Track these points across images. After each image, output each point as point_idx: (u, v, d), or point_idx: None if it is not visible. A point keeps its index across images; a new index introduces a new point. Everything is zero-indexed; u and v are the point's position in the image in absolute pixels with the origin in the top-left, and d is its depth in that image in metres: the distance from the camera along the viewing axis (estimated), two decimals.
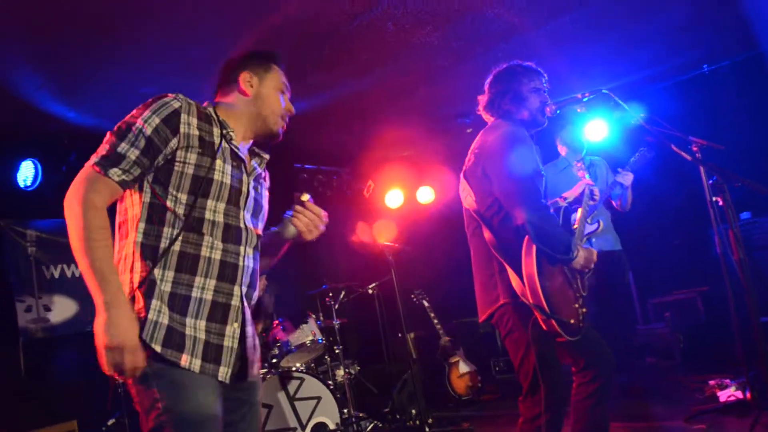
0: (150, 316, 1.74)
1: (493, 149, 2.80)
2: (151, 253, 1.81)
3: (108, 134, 1.86)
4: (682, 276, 6.16)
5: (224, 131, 1.97)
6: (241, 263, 1.93)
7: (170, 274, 1.81)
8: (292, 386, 4.59)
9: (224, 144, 1.95)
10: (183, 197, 1.85)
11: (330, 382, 4.78)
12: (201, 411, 1.74)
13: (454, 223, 3.18)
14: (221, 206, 1.90)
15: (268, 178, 2.25)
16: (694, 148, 3.75)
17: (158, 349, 1.72)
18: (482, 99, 3.03)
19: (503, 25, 4.57)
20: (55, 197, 5.44)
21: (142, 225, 1.83)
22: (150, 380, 1.73)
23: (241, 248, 1.94)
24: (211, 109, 2.02)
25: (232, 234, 1.92)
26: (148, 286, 1.77)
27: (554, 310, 2.62)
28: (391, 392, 5.67)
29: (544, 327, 2.65)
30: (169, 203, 1.84)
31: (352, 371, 5.64)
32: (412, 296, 6.26)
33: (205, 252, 1.85)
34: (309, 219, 2.06)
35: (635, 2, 4.59)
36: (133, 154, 1.80)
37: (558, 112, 3.00)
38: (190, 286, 1.82)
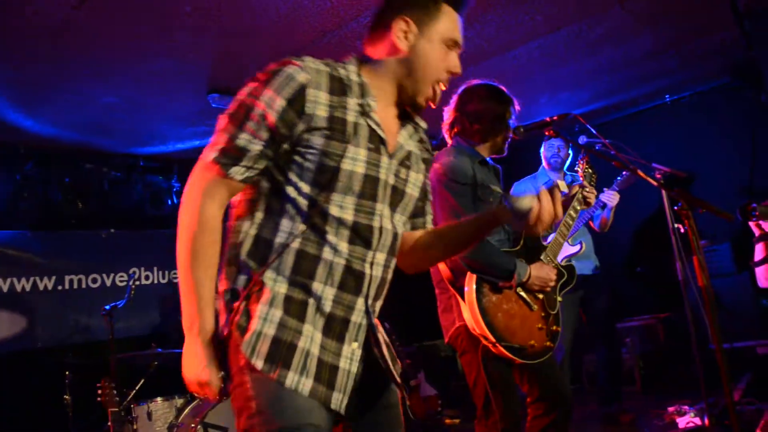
0: (254, 325, 1.48)
1: (433, 181, 2.80)
2: (265, 247, 1.54)
3: (223, 119, 1.56)
4: (643, 302, 6.23)
5: (362, 102, 1.60)
6: (368, 271, 1.60)
7: (285, 276, 1.52)
8: None
9: (360, 120, 1.58)
10: (306, 188, 1.54)
11: None
12: None
13: None
14: (351, 200, 1.56)
15: (426, 152, 1.84)
16: (658, 175, 3.81)
17: (259, 365, 1.45)
18: (446, 116, 3.01)
19: (473, 49, 4.59)
20: (8, 208, 5.32)
21: (258, 214, 1.56)
22: (250, 401, 1.47)
23: (371, 253, 1.60)
24: (351, 68, 1.64)
25: (361, 235, 1.58)
26: (257, 287, 1.52)
27: (503, 336, 2.61)
28: None
29: (494, 352, 2.64)
30: (290, 192, 1.55)
31: None
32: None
33: (327, 255, 1.54)
34: (550, 210, 1.60)
35: (601, 32, 4.67)
36: (257, 146, 1.51)
37: (525, 134, 2.99)
38: (307, 291, 1.53)
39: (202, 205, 1.52)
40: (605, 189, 4.37)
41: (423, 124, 1.82)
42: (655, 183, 2.89)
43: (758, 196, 4.26)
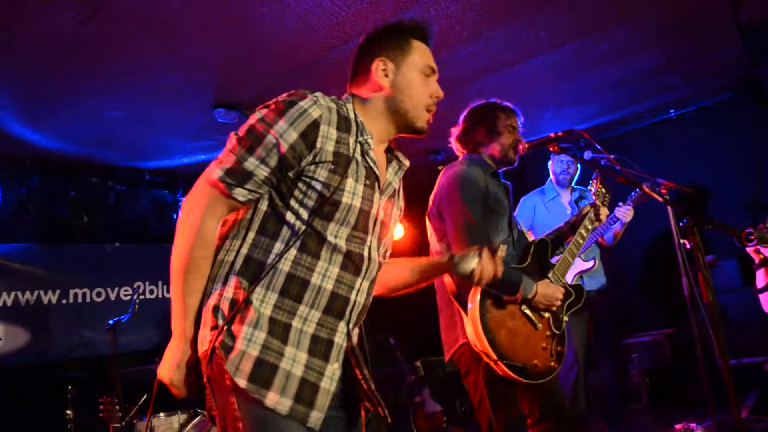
0: (239, 345, 1.53)
1: (444, 191, 2.84)
2: (255, 267, 1.59)
3: (233, 139, 1.62)
4: (649, 317, 6.19)
5: (361, 139, 1.69)
6: (353, 297, 1.68)
7: (273, 296, 1.58)
8: None
9: (359, 157, 1.68)
10: (305, 215, 1.61)
11: None
12: None
13: None
14: (345, 231, 1.65)
15: (401, 189, 1.96)
16: (663, 191, 3.79)
17: (242, 384, 1.50)
18: (455, 131, 3.05)
19: (478, 64, 4.61)
20: (13, 221, 5.32)
21: (251, 234, 1.62)
22: (236, 421, 1.52)
23: (358, 281, 1.69)
24: (349, 107, 1.74)
25: (352, 263, 1.67)
26: (243, 307, 1.56)
27: (506, 354, 2.58)
28: None
29: (497, 371, 2.61)
30: (288, 217, 1.61)
31: None
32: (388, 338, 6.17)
33: (316, 279, 1.61)
34: (490, 270, 1.80)
35: (605, 49, 4.68)
36: (263, 172, 1.58)
37: (531, 150, 3.01)
38: (292, 313, 1.59)
39: (203, 220, 1.59)
40: (620, 204, 4.32)
41: (406, 162, 1.91)
42: (660, 199, 2.89)
43: (763, 211, 4.24)
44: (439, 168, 3.05)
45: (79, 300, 5.70)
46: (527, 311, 2.73)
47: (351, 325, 1.70)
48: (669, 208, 3.47)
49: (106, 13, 3.40)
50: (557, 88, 5.35)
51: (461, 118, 3.04)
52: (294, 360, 1.57)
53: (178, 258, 1.60)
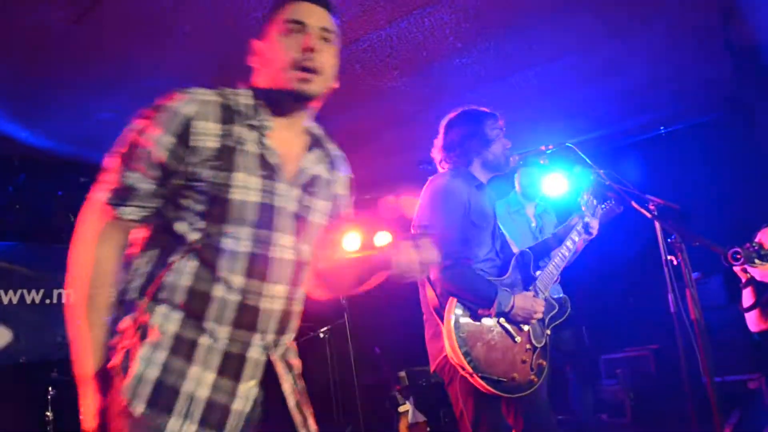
0: (136, 368, 1.41)
1: (423, 204, 2.84)
2: (155, 286, 1.48)
3: (112, 159, 1.52)
4: (634, 333, 6.21)
5: (256, 123, 1.55)
6: (264, 306, 1.52)
7: (177, 314, 1.46)
8: None
9: (253, 147, 1.53)
10: (199, 222, 1.48)
11: None
12: None
13: None
14: (246, 231, 1.49)
15: (341, 172, 1.80)
16: (651, 206, 3.80)
17: (140, 409, 1.38)
18: (438, 142, 3.03)
19: (470, 75, 4.63)
20: (0, 219, 5.26)
21: (151, 252, 1.51)
22: None
23: (267, 287, 1.52)
24: (244, 92, 1.62)
25: (257, 268, 1.50)
26: (145, 327, 1.45)
27: (480, 367, 2.56)
28: None
29: (473, 383, 2.59)
30: (181, 228, 1.49)
31: None
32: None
33: (218, 292, 1.47)
34: (410, 262, 1.61)
35: (597, 64, 4.71)
36: (147, 184, 1.48)
37: (521, 162, 3.02)
38: (199, 330, 1.46)
39: (97, 248, 1.48)
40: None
41: (334, 149, 1.78)
42: (649, 215, 2.90)
43: (750, 229, 4.27)
44: (430, 178, 3.04)
45: (63, 300, 5.64)
46: (506, 324, 2.71)
47: (271, 336, 1.55)
48: (657, 224, 3.49)
49: (96, 14, 3.39)
50: (549, 101, 5.38)
51: (443, 129, 3.02)
52: (199, 381, 1.44)
53: (77, 292, 1.47)
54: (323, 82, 1.61)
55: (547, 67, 4.69)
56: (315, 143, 1.72)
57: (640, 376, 5.85)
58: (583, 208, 3.22)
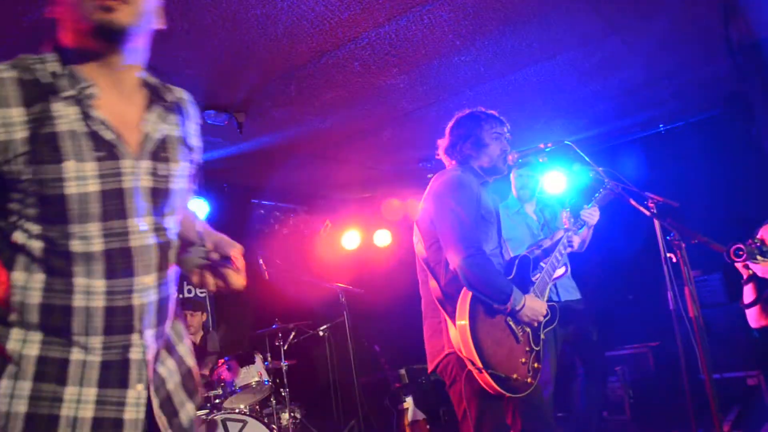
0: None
1: (437, 195, 2.82)
2: (6, 310, 1.30)
3: None
4: (633, 330, 6.21)
5: (74, 93, 1.30)
6: (137, 302, 1.35)
7: (34, 337, 1.28)
8: (234, 428, 4.40)
9: (78, 126, 1.28)
10: (35, 228, 1.28)
11: (274, 426, 4.60)
12: None
13: (410, 268, 3.15)
14: (95, 227, 1.29)
15: (190, 119, 1.58)
16: (650, 204, 3.81)
17: None
18: (442, 143, 3.05)
19: (470, 73, 4.62)
20: None
21: None
22: None
23: (137, 280, 1.35)
24: (51, 58, 1.35)
25: (118, 265, 1.32)
26: (2, 358, 1.28)
27: (490, 363, 2.56)
28: None
29: (479, 381, 2.58)
30: (19, 238, 1.29)
31: (298, 415, 5.46)
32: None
33: (79, 302, 1.29)
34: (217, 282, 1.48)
35: (596, 61, 4.71)
36: None
37: (520, 160, 3.03)
38: (66, 347, 1.29)
39: None
40: (586, 206, 4.31)
41: (177, 94, 1.55)
42: (648, 213, 2.90)
43: (749, 226, 4.26)
44: (429, 176, 3.05)
45: None
46: (511, 323, 2.72)
47: (151, 330, 1.39)
48: (656, 222, 3.49)
49: None
50: (548, 99, 5.37)
51: (447, 130, 3.05)
52: (79, 401, 1.28)
53: None
54: (133, 11, 1.33)
55: (546, 65, 4.68)
56: (154, 96, 1.47)
57: (639, 373, 5.86)
58: (566, 225, 3.30)
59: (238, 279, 1.48)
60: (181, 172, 1.48)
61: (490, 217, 2.84)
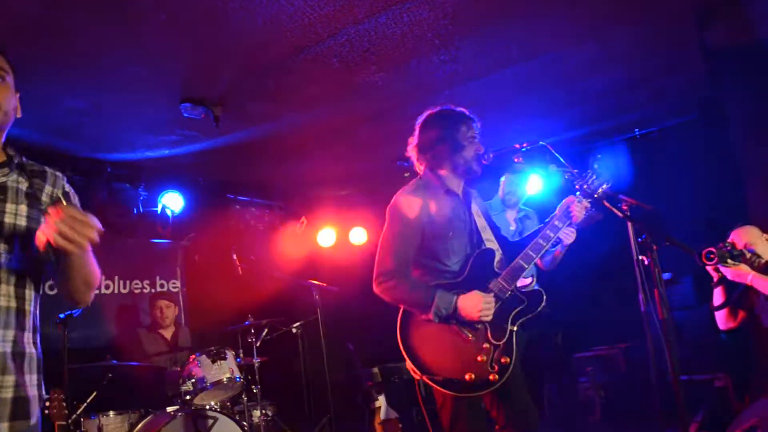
0: None
1: (387, 213, 2.91)
2: None
3: None
4: (605, 332, 6.27)
5: None
6: None
7: None
8: (205, 426, 4.35)
9: None
10: None
11: (245, 423, 4.56)
12: None
13: None
14: None
15: (47, 183, 1.95)
16: (624, 206, 3.84)
17: None
18: (413, 140, 3.01)
19: (448, 72, 4.63)
20: None
21: None
22: None
23: None
24: None
25: None
26: None
27: (430, 369, 2.61)
28: None
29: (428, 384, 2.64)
30: None
31: (270, 413, 5.42)
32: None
33: None
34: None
35: (574, 63, 4.74)
36: None
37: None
38: None
39: None
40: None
41: (31, 165, 1.94)
42: (621, 215, 2.92)
43: (722, 230, 4.32)
44: (406, 175, 3.04)
45: None
46: (458, 325, 2.70)
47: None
48: (629, 224, 3.52)
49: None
50: (526, 100, 5.40)
51: (418, 127, 3.00)
52: None
53: None
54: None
55: (525, 66, 4.70)
56: (8, 162, 1.86)
57: (610, 374, 5.92)
58: (556, 223, 3.26)
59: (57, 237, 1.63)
60: (15, 211, 1.82)
61: (448, 230, 2.80)
